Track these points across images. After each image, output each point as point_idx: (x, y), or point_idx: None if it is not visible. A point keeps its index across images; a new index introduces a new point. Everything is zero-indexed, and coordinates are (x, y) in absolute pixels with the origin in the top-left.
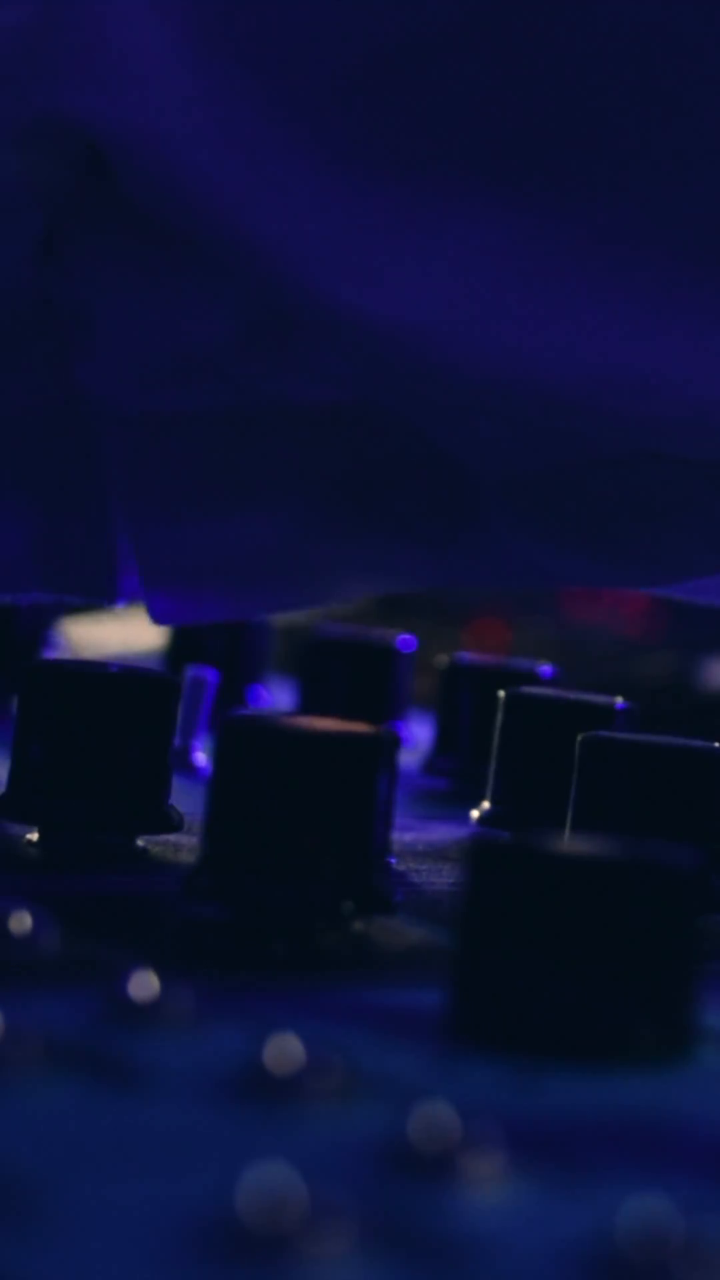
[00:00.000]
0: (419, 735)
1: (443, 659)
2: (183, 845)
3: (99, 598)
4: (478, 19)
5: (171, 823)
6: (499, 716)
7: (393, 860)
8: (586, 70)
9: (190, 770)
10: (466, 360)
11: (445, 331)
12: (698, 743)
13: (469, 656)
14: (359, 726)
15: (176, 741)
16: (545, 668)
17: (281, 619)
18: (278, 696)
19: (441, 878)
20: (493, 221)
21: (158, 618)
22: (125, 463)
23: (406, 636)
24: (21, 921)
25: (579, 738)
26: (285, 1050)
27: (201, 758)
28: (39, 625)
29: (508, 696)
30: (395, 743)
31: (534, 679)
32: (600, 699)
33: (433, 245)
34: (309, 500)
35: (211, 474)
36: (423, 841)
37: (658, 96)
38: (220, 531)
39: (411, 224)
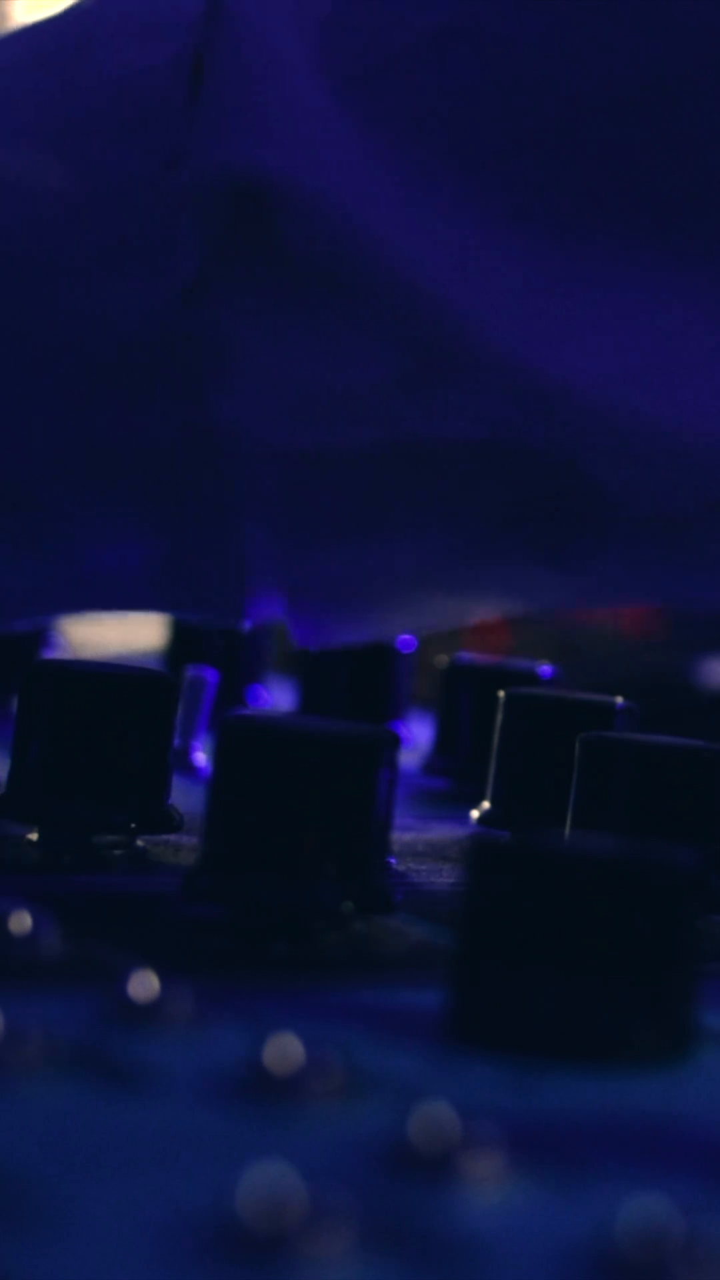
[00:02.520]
0: (419, 735)
1: (443, 659)
2: (183, 845)
3: (224, 617)
4: (650, 87)
5: (171, 823)
6: (499, 716)
7: (393, 860)
8: None
9: (190, 770)
10: (628, 406)
11: (609, 380)
12: (698, 743)
13: (469, 656)
14: (359, 726)
15: (176, 741)
16: (545, 668)
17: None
18: (278, 696)
19: (441, 878)
20: (655, 276)
21: (301, 640)
22: (270, 494)
23: (406, 636)
24: (21, 921)
25: (579, 738)
26: (285, 1050)
27: (201, 758)
28: (39, 625)
29: (508, 696)
30: (395, 743)
31: (534, 679)
32: (600, 699)
33: (598, 299)
34: (451, 529)
35: (357, 505)
36: (423, 841)
37: None
38: (363, 558)
39: (577, 278)
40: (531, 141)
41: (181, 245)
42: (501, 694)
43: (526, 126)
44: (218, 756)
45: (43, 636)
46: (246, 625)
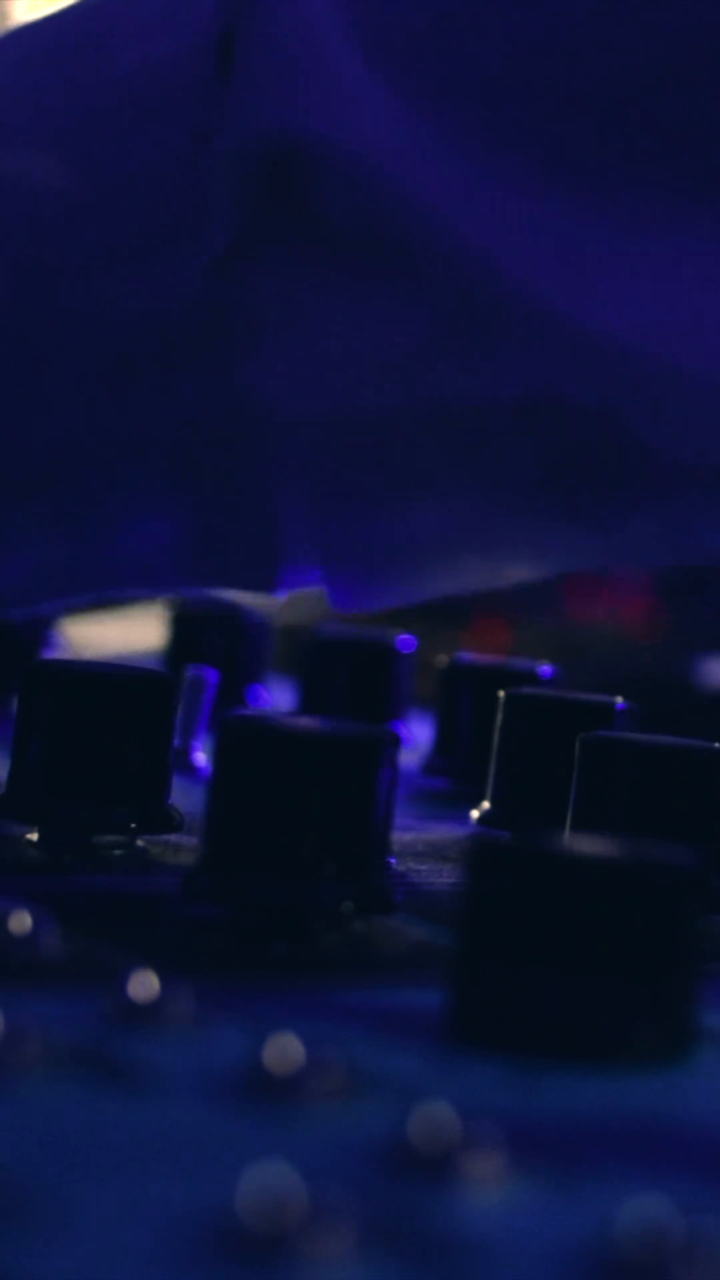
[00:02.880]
0: (419, 735)
1: (443, 659)
2: (183, 845)
3: (258, 589)
4: (689, 46)
5: (171, 823)
6: (499, 716)
7: (393, 860)
8: None
9: (190, 770)
10: (670, 358)
11: (651, 332)
12: (698, 743)
13: (469, 656)
14: (359, 726)
15: (176, 741)
16: (545, 668)
17: (281, 619)
18: (278, 696)
19: (441, 878)
20: (696, 228)
21: (338, 605)
22: (305, 462)
23: (406, 636)
24: (21, 921)
25: (579, 738)
26: (285, 1050)
27: (201, 758)
28: (39, 625)
29: (508, 696)
30: (395, 743)
31: (534, 679)
32: (600, 699)
33: (638, 252)
34: (488, 489)
35: (393, 468)
36: (423, 841)
37: None
38: (400, 521)
39: (617, 232)
40: (569, 102)
41: (212, 221)
42: (501, 694)
43: (564, 88)
44: (218, 756)
45: (43, 636)
46: (280, 594)
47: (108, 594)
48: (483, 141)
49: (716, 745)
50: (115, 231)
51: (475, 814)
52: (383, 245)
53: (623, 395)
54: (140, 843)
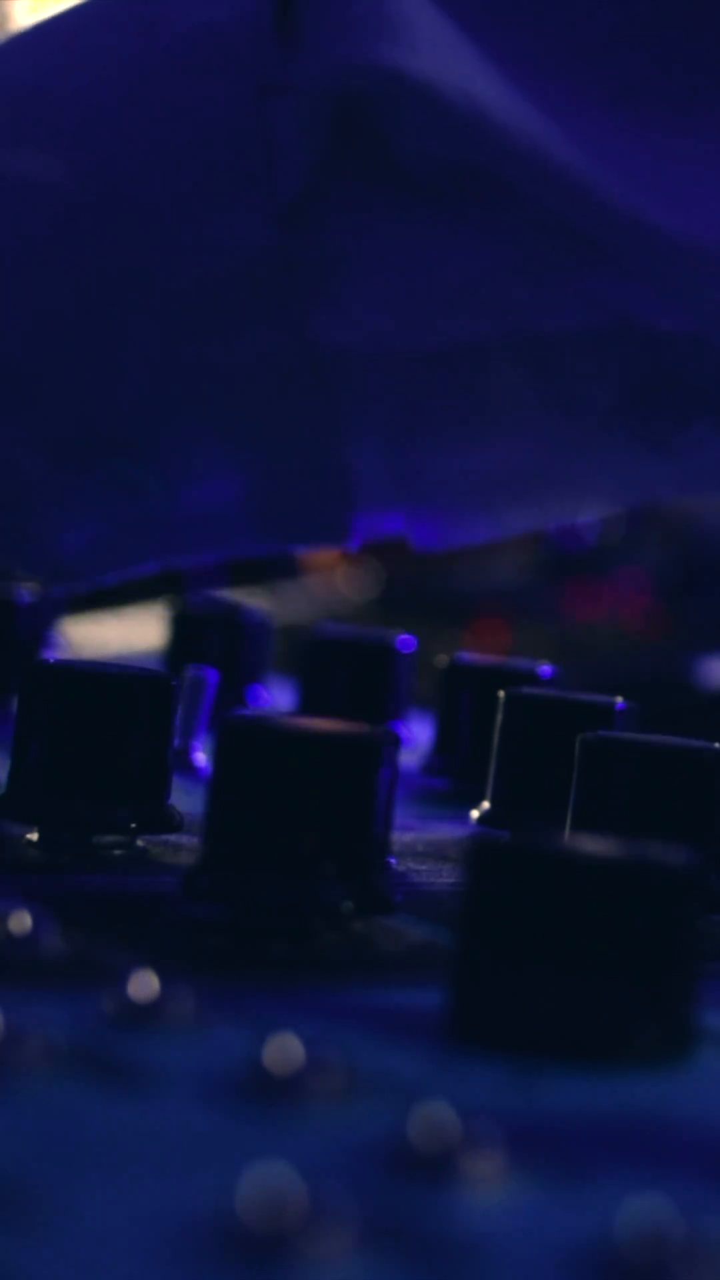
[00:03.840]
0: (419, 735)
1: (443, 659)
2: (183, 845)
3: (330, 541)
4: None
5: (171, 823)
6: (499, 716)
7: (393, 860)
8: None
9: (190, 770)
10: None
11: None
12: (698, 743)
13: (469, 656)
14: (359, 726)
15: (176, 741)
16: (545, 668)
17: (282, 619)
18: (278, 696)
19: (441, 878)
20: None
21: (421, 544)
22: (382, 400)
23: (406, 636)
24: (21, 921)
25: (579, 738)
26: (285, 1050)
27: (201, 758)
28: (39, 625)
29: (508, 696)
30: (395, 743)
31: (534, 679)
32: (600, 699)
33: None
34: (567, 419)
35: (471, 399)
36: (423, 841)
37: None
38: (478, 455)
39: (698, 148)
40: (642, 22)
41: (282, 169)
42: (501, 694)
43: (637, 8)
44: (218, 756)
45: (43, 636)
46: (354, 546)
47: (172, 561)
48: (559, 67)
49: (716, 745)
50: (184, 185)
51: (475, 814)
52: (465, 177)
53: (708, 313)
54: (140, 843)
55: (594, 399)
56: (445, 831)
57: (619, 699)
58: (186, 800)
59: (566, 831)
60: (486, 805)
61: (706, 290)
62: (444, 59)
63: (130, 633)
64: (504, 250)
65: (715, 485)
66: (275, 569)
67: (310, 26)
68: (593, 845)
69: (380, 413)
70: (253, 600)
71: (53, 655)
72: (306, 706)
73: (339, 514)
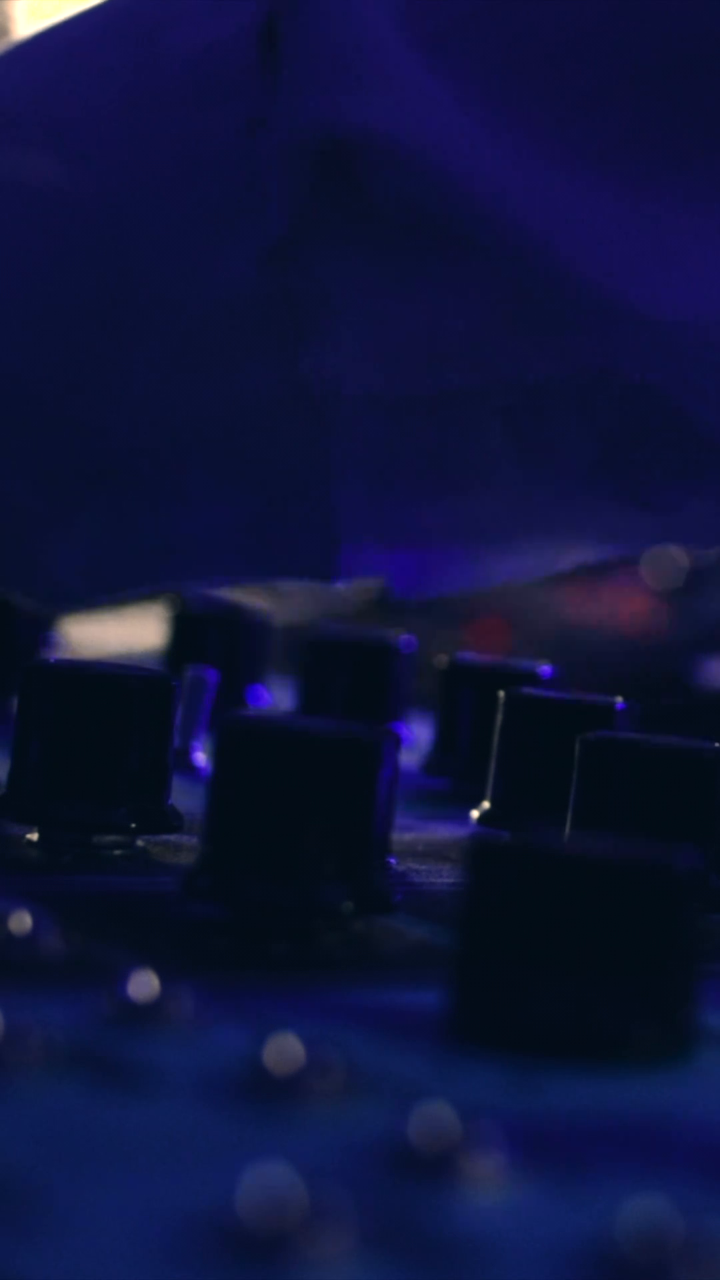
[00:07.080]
0: (419, 735)
1: (443, 659)
2: (183, 845)
3: (318, 576)
4: None
5: (171, 823)
6: (499, 716)
7: (393, 860)
8: None
9: (190, 770)
10: None
11: (707, 315)
12: (698, 743)
13: (469, 656)
14: (359, 726)
15: (176, 741)
16: (545, 668)
17: (282, 619)
18: (278, 696)
19: (441, 878)
20: None
21: (401, 591)
22: (367, 444)
23: (406, 636)
24: (21, 921)
25: (579, 738)
26: (285, 1050)
27: (201, 758)
28: (39, 625)
29: (508, 696)
30: (395, 743)
31: (534, 679)
32: (600, 699)
33: (694, 234)
34: (548, 471)
35: (453, 450)
36: (423, 841)
37: None
38: (460, 504)
39: (672, 214)
40: (620, 85)
41: (268, 206)
42: (501, 694)
43: (615, 71)
44: (218, 756)
45: (43, 636)
46: (342, 583)
47: (163, 587)
48: (533, 127)
49: (716, 745)
50: (178, 215)
51: (475, 814)
52: (437, 231)
53: (677, 376)
54: (140, 843)
55: (574, 452)
56: (445, 831)
57: (619, 699)
58: (186, 800)
59: (566, 831)
60: (486, 805)
61: (672, 353)
62: (418, 115)
63: (130, 633)
64: (481, 304)
65: (696, 540)
66: None
67: (289, 66)
68: (593, 845)
69: (365, 456)
70: (253, 600)
71: (53, 655)
72: (306, 706)
73: (327, 550)
